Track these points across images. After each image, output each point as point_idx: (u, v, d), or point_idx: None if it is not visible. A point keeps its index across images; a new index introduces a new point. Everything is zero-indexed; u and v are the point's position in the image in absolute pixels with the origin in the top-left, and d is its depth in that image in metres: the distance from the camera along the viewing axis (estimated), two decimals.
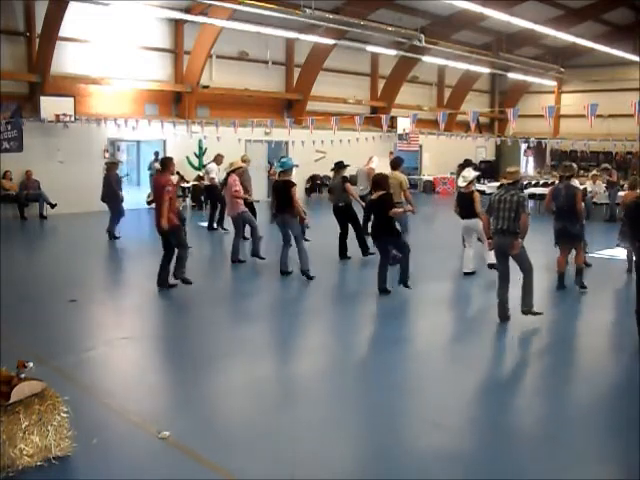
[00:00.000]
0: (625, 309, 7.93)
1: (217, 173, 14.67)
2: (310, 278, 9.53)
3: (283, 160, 10.46)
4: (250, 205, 12.11)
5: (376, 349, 6.96)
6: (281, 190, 9.74)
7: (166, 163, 9.16)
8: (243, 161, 12.99)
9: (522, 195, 7.44)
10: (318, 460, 4.33)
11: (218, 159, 14.70)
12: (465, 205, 9.80)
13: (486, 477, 4.15)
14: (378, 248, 8.91)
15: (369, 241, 10.23)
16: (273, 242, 12.87)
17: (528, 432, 4.86)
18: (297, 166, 11.52)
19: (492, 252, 9.78)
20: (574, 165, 10.79)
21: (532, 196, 17.47)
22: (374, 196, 8.86)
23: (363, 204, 10.83)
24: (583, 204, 9.45)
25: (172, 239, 8.94)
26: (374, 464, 4.35)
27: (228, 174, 10.96)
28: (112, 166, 13.62)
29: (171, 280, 8.95)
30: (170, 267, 8.98)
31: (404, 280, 8.75)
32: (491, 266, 9.80)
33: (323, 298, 9.00)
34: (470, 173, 10.13)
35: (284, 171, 9.96)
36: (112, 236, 13.05)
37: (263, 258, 10.76)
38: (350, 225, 11.18)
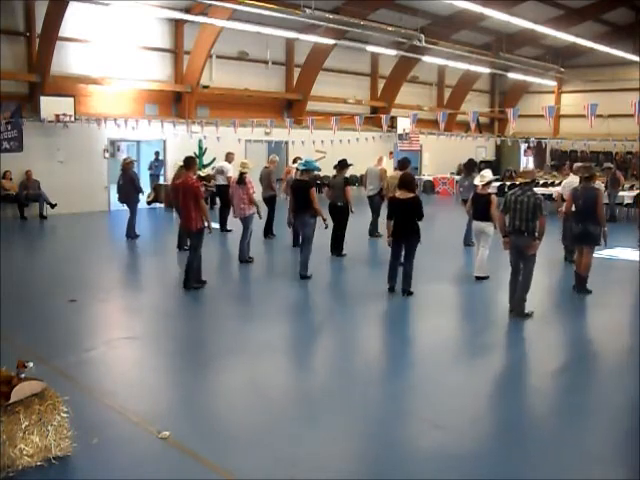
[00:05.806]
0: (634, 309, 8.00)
1: (233, 172, 14.61)
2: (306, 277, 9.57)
3: (307, 160, 10.41)
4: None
5: (377, 349, 6.96)
6: (300, 190, 9.69)
7: (190, 162, 9.03)
8: (271, 162, 13.49)
9: (539, 197, 7.50)
10: (318, 460, 4.33)
11: (230, 157, 14.50)
12: (479, 207, 9.59)
13: (487, 477, 4.15)
14: (394, 247, 8.77)
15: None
16: (279, 241, 12.90)
17: (529, 432, 4.86)
18: (320, 169, 11.43)
19: (483, 264, 9.66)
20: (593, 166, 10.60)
21: None
22: (400, 195, 8.60)
23: (353, 209, 11.36)
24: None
25: (193, 240, 8.92)
26: (374, 464, 4.35)
27: (242, 174, 10.66)
28: (128, 165, 13.24)
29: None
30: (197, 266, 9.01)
31: (407, 285, 8.65)
32: (478, 278, 9.65)
33: (326, 298, 9.00)
34: (489, 174, 9.99)
35: (306, 171, 9.94)
36: (134, 236, 13.07)
37: (251, 260, 10.79)
38: (339, 224, 11.33)
